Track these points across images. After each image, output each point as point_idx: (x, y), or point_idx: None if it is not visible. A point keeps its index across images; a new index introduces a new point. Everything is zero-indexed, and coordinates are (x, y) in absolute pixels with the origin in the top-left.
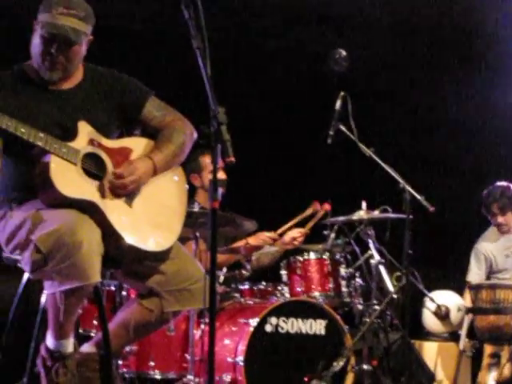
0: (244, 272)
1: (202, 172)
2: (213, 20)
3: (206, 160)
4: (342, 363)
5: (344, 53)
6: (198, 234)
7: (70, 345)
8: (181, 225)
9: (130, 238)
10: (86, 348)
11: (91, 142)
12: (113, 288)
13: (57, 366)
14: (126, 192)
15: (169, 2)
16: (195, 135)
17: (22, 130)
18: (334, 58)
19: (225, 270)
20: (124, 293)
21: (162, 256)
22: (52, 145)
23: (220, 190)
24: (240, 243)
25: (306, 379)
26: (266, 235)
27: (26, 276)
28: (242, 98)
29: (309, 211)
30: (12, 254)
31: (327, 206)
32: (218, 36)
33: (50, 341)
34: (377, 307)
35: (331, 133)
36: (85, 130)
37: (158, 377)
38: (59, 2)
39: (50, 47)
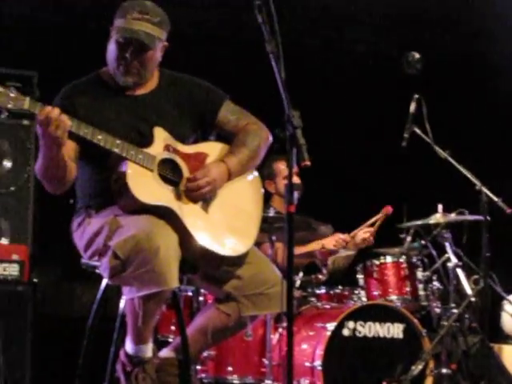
0: (320, 276)
1: (277, 178)
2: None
3: (280, 166)
4: (420, 367)
5: (417, 55)
6: (274, 238)
7: (149, 350)
8: (257, 229)
9: (206, 243)
10: (165, 353)
11: (167, 147)
12: (190, 293)
13: (136, 370)
14: (201, 195)
15: (241, 6)
16: (270, 139)
17: (99, 137)
18: (407, 60)
19: (301, 274)
20: (201, 298)
21: (238, 260)
22: (129, 151)
23: (295, 194)
24: (315, 246)
25: (384, 383)
26: (340, 237)
27: (104, 282)
28: (317, 102)
29: (380, 215)
30: (90, 260)
31: (389, 209)
32: (292, 40)
33: (129, 346)
34: (455, 310)
35: (406, 135)
36: (160, 135)
37: (236, 382)
38: (134, 7)
39: (124, 52)
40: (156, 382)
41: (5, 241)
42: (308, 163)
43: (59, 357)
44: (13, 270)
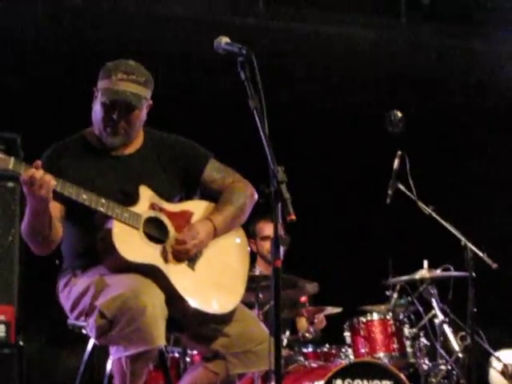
0: (307, 335)
1: (257, 238)
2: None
3: (261, 226)
4: None
5: (399, 114)
6: (260, 296)
7: None
8: (243, 286)
9: (193, 302)
10: None
11: (152, 206)
12: (177, 355)
13: None
14: (189, 257)
15: (223, 64)
16: (256, 197)
17: (84, 197)
18: (390, 119)
19: (288, 333)
20: (188, 359)
21: (225, 318)
22: (114, 210)
23: (282, 249)
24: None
25: None
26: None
27: (91, 342)
28: (300, 159)
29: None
30: (77, 321)
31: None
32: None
33: None
34: (443, 367)
35: (390, 192)
36: (146, 194)
37: None
38: (118, 67)
39: (111, 113)
40: None
41: None
42: (293, 217)
43: None
44: None
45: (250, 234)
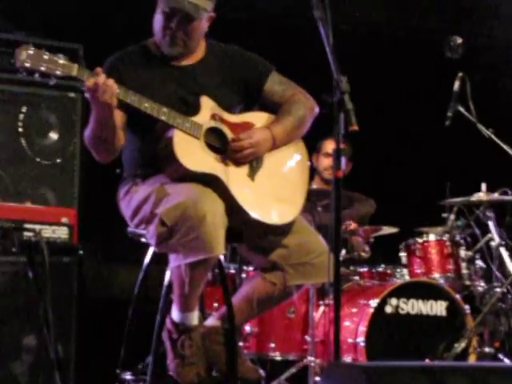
0: (363, 254)
1: (319, 154)
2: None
3: (325, 144)
4: (463, 345)
5: (459, 40)
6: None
7: (195, 318)
8: (303, 198)
9: (253, 212)
10: (211, 321)
11: (213, 116)
12: (232, 271)
13: (182, 338)
14: (244, 157)
15: None
16: (317, 110)
17: (146, 105)
18: (448, 44)
19: (343, 251)
20: (244, 275)
21: (284, 230)
22: (175, 119)
23: (343, 159)
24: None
25: (427, 360)
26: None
27: (149, 254)
28: (361, 83)
29: None
30: (137, 229)
31: None
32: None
33: (175, 314)
34: (498, 289)
35: (450, 114)
36: (207, 104)
37: (278, 358)
38: None
39: (170, 22)
40: (202, 350)
41: None
42: (356, 127)
43: (104, 327)
44: (62, 232)
45: (315, 148)
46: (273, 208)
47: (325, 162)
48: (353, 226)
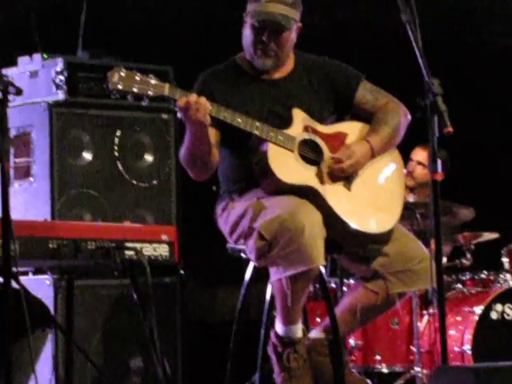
0: (465, 261)
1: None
2: None
3: (415, 152)
4: None
5: None
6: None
7: (299, 330)
8: (401, 206)
9: (351, 222)
10: (315, 333)
11: (306, 128)
12: (333, 285)
13: (287, 351)
14: (344, 176)
15: None
16: (409, 117)
17: (239, 120)
18: None
19: (445, 259)
20: (345, 289)
21: (384, 238)
22: (268, 133)
23: (439, 162)
24: None
25: None
26: None
27: (251, 265)
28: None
29: None
30: (236, 244)
31: None
32: None
33: (279, 327)
34: None
35: None
36: (299, 117)
37: (384, 370)
38: None
39: (261, 35)
40: (307, 362)
41: None
42: (451, 129)
43: (209, 346)
44: (163, 250)
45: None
46: (371, 217)
47: (417, 170)
48: None
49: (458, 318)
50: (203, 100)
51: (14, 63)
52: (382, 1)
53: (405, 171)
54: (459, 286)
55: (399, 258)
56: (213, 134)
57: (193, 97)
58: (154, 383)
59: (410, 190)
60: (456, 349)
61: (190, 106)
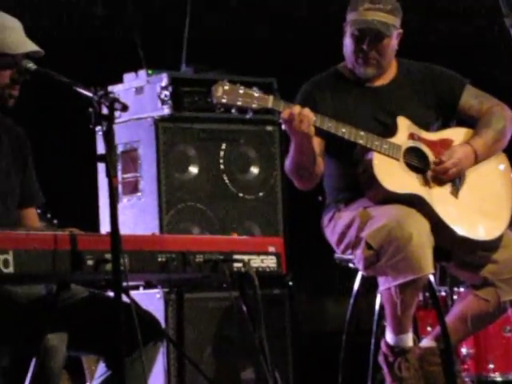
0: None
1: None
2: None
3: None
4: None
5: None
6: None
7: (409, 339)
8: (509, 212)
9: (459, 229)
10: (426, 342)
11: (411, 136)
12: (443, 293)
13: (399, 360)
14: (448, 177)
15: None
16: None
17: (343, 130)
18: None
19: None
20: (455, 297)
21: (493, 245)
22: (373, 142)
23: None
24: None
25: None
26: None
27: (359, 275)
28: None
29: None
30: (344, 254)
31: None
32: None
33: (389, 336)
34: None
35: None
36: (404, 124)
37: (498, 379)
38: None
39: (361, 44)
40: (419, 372)
41: None
42: None
43: (319, 353)
44: (270, 261)
45: None
46: (479, 224)
47: None
48: None
49: None
50: (307, 111)
51: (119, 80)
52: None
53: None
54: None
55: (509, 265)
56: (317, 144)
57: (296, 108)
58: None
59: None
60: None
61: (293, 118)
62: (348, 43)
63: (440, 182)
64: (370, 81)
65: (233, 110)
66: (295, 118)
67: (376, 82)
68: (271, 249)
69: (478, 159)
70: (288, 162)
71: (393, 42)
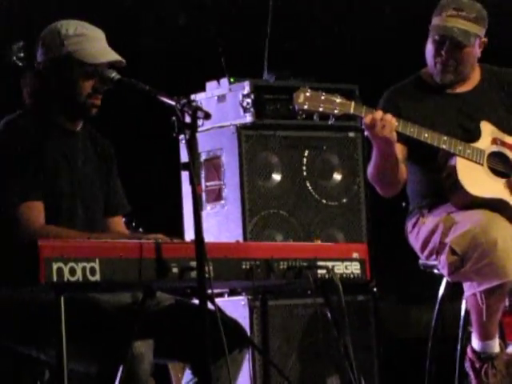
0: None
1: None
2: None
3: None
4: None
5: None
6: None
7: (496, 345)
8: None
9: None
10: None
11: (495, 140)
12: None
13: (485, 367)
14: None
15: None
16: None
17: (426, 135)
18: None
19: None
20: None
21: None
22: (456, 147)
23: None
24: None
25: None
26: None
27: (444, 281)
28: None
29: None
30: (428, 260)
31: None
32: None
33: (475, 342)
34: None
35: None
36: (487, 129)
37: None
38: (450, 4)
39: (440, 50)
40: (506, 378)
41: None
42: None
43: (405, 359)
44: (354, 268)
45: None
46: None
47: None
48: None
49: None
50: (389, 117)
51: (202, 88)
52: None
53: None
54: None
55: None
56: (400, 150)
57: (378, 114)
58: None
59: None
60: None
61: (376, 123)
62: (429, 48)
63: None
64: (452, 87)
65: (315, 117)
66: (377, 123)
67: (458, 88)
68: (355, 255)
69: None
70: (370, 169)
71: (474, 51)
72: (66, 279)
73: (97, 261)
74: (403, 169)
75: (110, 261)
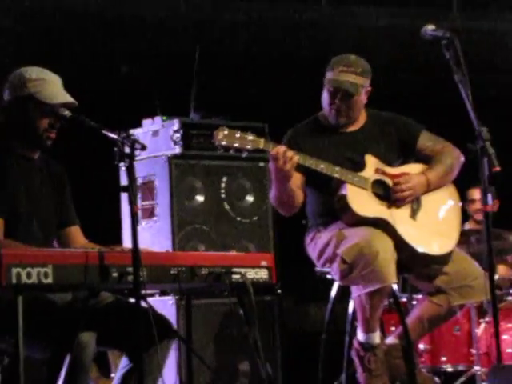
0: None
1: (467, 202)
2: None
3: (470, 192)
4: None
5: None
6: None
7: (376, 337)
8: (458, 232)
9: (418, 246)
10: (390, 340)
11: (377, 170)
12: (404, 299)
13: (368, 355)
14: (405, 198)
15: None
16: (462, 159)
17: (322, 166)
18: None
19: (497, 276)
20: (414, 302)
21: (445, 259)
22: (347, 176)
23: (489, 196)
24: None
25: None
26: None
27: (336, 284)
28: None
29: None
30: (323, 268)
31: None
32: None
33: (360, 335)
34: None
35: None
36: (371, 161)
37: (449, 369)
38: (340, 61)
39: (334, 99)
40: (385, 364)
41: None
42: (498, 168)
43: (303, 349)
44: (263, 274)
45: (463, 198)
46: (434, 241)
47: (473, 206)
48: None
49: (510, 325)
50: (290, 154)
51: (139, 125)
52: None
53: (460, 204)
54: (510, 298)
55: (458, 276)
56: (298, 179)
57: (281, 148)
58: (259, 383)
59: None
60: (508, 350)
61: (279, 157)
62: (325, 96)
63: (400, 206)
64: (343, 127)
65: (231, 151)
66: (280, 157)
67: (348, 128)
68: (263, 263)
69: (430, 187)
70: (272, 195)
71: (361, 98)
72: (23, 282)
73: (50, 266)
74: (299, 194)
75: (60, 266)
